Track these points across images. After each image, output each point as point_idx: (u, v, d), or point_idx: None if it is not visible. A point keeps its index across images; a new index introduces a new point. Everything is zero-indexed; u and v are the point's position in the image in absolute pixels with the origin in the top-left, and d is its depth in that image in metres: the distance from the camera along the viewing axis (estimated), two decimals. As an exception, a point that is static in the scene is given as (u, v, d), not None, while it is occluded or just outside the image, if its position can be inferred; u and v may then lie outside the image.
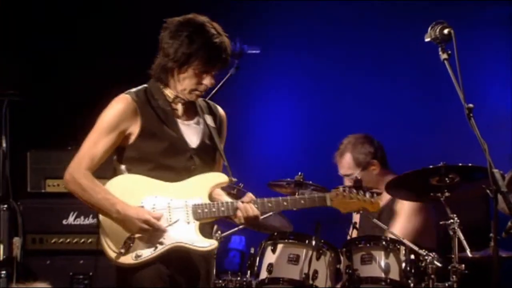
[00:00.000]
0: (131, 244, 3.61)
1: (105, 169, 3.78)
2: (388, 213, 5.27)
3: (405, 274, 4.61)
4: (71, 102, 5.63)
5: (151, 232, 3.61)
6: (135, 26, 5.29)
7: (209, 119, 3.81)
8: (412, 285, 4.61)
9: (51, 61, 6.12)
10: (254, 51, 5.43)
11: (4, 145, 5.89)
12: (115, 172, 3.74)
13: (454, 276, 4.51)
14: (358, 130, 5.80)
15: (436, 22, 3.73)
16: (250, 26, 6.33)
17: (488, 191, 3.40)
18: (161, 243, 3.63)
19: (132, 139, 3.68)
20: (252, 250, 5.02)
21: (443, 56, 3.68)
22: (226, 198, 3.81)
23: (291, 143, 6.51)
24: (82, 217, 5.51)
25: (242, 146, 6.55)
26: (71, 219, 5.50)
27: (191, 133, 3.76)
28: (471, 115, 3.51)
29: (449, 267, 4.53)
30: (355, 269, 4.67)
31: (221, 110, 3.94)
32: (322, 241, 4.80)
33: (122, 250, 3.59)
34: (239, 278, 5.10)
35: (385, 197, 5.16)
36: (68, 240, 5.50)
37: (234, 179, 3.77)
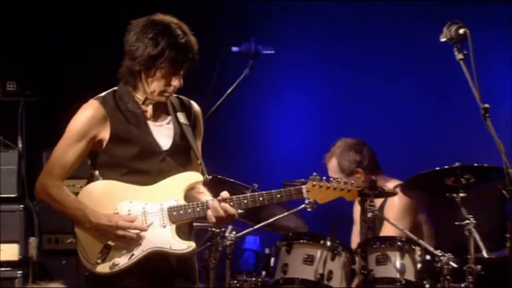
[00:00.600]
0: (108, 253, 3.58)
1: (80, 170, 3.74)
2: (379, 218, 5.22)
3: (421, 274, 4.59)
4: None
5: (128, 237, 3.58)
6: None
7: (182, 117, 3.75)
8: (427, 285, 4.58)
9: (66, 61, 6.15)
10: (268, 52, 5.44)
11: (20, 145, 5.94)
12: (91, 177, 3.70)
13: (470, 277, 4.49)
14: (372, 129, 5.82)
15: (452, 22, 3.71)
16: (264, 27, 6.37)
17: (504, 191, 3.41)
18: (137, 250, 3.59)
19: (104, 144, 3.64)
20: (267, 251, 5.00)
21: (459, 56, 3.67)
22: (206, 197, 3.73)
23: (305, 143, 6.50)
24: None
25: (257, 146, 6.57)
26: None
27: (163, 135, 3.71)
28: (487, 115, 3.52)
29: (465, 268, 4.52)
30: (370, 270, 4.65)
31: (195, 105, 3.87)
32: (337, 241, 4.78)
33: (99, 261, 3.56)
34: (254, 279, 5.09)
35: (377, 204, 5.14)
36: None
37: (209, 177, 3.71)
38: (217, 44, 5.67)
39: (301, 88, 6.61)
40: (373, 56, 6.38)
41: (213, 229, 4.85)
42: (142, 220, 3.62)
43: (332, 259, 4.74)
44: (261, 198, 3.68)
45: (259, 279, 5.04)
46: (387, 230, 5.17)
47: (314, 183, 3.70)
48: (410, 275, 4.62)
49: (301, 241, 4.85)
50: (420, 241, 4.71)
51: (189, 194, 3.75)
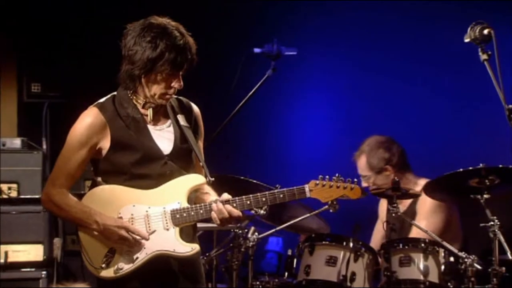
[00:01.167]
0: (112, 257, 3.56)
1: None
2: (410, 215, 5.21)
3: (444, 276, 4.59)
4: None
5: (131, 240, 3.56)
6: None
7: (182, 119, 3.73)
8: (451, 287, 4.58)
9: (91, 62, 6.19)
10: (291, 53, 5.40)
11: (44, 146, 5.97)
12: (94, 184, 3.69)
13: (494, 279, 4.45)
14: (396, 130, 5.74)
15: (476, 22, 3.69)
16: (287, 28, 6.31)
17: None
18: (141, 254, 3.58)
19: (104, 152, 3.61)
20: (290, 252, 5.04)
21: (483, 57, 3.64)
22: (211, 198, 3.70)
23: (328, 143, 6.48)
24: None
25: (281, 148, 6.56)
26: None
27: (164, 138, 3.68)
28: (512, 116, 3.46)
29: (490, 270, 4.48)
30: (394, 271, 4.65)
31: (194, 106, 3.83)
32: (360, 242, 4.78)
33: (103, 265, 3.55)
34: (276, 280, 5.10)
35: (407, 200, 5.13)
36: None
37: (212, 179, 3.68)
38: (239, 46, 5.68)
39: (324, 89, 6.60)
40: (396, 57, 6.36)
41: (236, 231, 4.85)
42: (146, 225, 3.60)
43: (355, 260, 4.74)
44: (264, 199, 3.65)
45: (282, 281, 5.06)
46: (417, 231, 5.10)
47: (317, 182, 3.68)
48: (433, 277, 4.61)
49: (323, 242, 4.86)
50: (444, 243, 4.68)
51: (194, 195, 3.74)
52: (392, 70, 6.36)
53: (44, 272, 5.33)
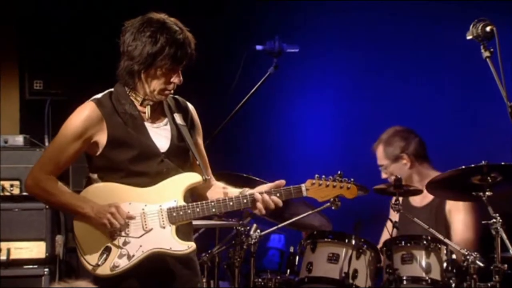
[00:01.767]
0: (108, 255, 3.54)
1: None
2: (433, 212, 5.21)
3: (447, 273, 4.56)
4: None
5: (117, 216, 3.51)
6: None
7: (178, 118, 3.72)
8: (453, 285, 4.54)
9: (93, 60, 6.19)
10: (293, 50, 5.38)
11: (46, 144, 5.96)
12: (89, 181, 3.67)
13: (496, 276, 4.42)
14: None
15: (478, 19, 3.67)
16: (289, 25, 6.34)
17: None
18: (137, 252, 3.56)
19: (100, 148, 3.60)
20: (292, 249, 5.02)
21: (485, 54, 3.61)
22: (231, 190, 3.73)
23: (330, 141, 6.48)
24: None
25: (282, 145, 6.54)
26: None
27: (161, 136, 3.67)
28: (515, 113, 3.44)
29: (492, 267, 4.45)
30: (396, 269, 4.62)
31: (190, 106, 3.82)
32: (362, 240, 4.76)
33: (99, 263, 3.53)
34: (278, 277, 5.09)
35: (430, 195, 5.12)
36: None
37: (208, 177, 3.70)
38: (241, 43, 5.68)
39: (325, 87, 6.57)
40: (397, 57, 6.34)
41: (238, 228, 4.85)
42: (142, 223, 3.59)
43: (357, 257, 4.73)
44: (231, 203, 3.66)
45: (284, 278, 5.05)
46: (456, 228, 5.09)
47: (313, 181, 3.69)
48: (435, 274, 4.59)
49: (325, 239, 4.84)
50: (446, 240, 4.67)
51: (216, 190, 3.76)
52: (394, 69, 6.34)
53: (46, 270, 5.34)
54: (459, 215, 5.14)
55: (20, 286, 5.26)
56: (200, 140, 3.85)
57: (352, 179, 3.74)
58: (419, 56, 6.27)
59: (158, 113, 3.71)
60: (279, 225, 4.94)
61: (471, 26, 3.66)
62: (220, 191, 3.78)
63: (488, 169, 4.53)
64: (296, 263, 4.92)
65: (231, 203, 3.66)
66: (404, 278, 4.62)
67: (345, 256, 4.72)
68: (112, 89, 3.69)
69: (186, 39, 3.59)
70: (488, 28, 3.62)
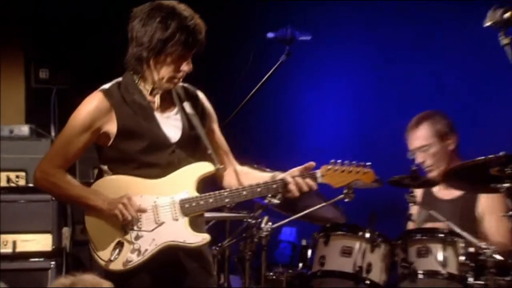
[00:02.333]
0: (121, 250, 3.56)
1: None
2: (459, 207, 5.12)
3: (463, 267, 4.50)
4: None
5: (129, 208, 3.51)
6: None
7: (188, 106, 3.72)
8: (470, 279, 4.48)
9: (98, 49, 6.21)
10: (305, 38, 5.34)
11: (53, 134, 5.97)
12: (100, 173, 3.68)
13: (516, 270, 4.38)
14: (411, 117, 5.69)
15: (496, 6, 3.62)
16: (301, 13, 6.30)
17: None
18: (150, 245, 3.57)
19: (110, 140, 3.60)
20: (304, 242, 5.06)
21: (504, 41, 3.58)
22: (258, 175, 3.74)
23: (344, 131, 6.47)
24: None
25: (293, 135, 6.58)
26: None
27: (171, 126, 3.67)
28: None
29: (510, 261, 4.42)
30: (411, 262, 4.59)
31: (200, 93, 3.82)
32: (377, 233, 4.72)
33: (112, 258, 3.54)
34: (290, 271, 5.09)
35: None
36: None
37: (221, 167, 3.70)
38: (252, 30, 5.68)
39: (338, 76, 6.55)
40: (414, 45, 6.29)
41: (249, 220, 4.84)
42: (155, 216, 3.59)
43: (371, 251, 4.70)
44: (274, 186, 3.66)
45: (296, 271, 5.04)
46: (489, 231, 5.01)
47: (329, 167, 3.68)
48: (452, 268, 4.52)
49: (339, 232, 4.82)
50: (463, 233, 4.62)
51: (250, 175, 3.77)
52: (412, 57, 6.29)
53: (53, 263, 5.34)
54: (492, 218, 5.01)
55: (26, 279, 5.26)
56: (215, 126, 3.85)
57: (369, 163, 3.70)
58: (437, 44, 6.23)
59: (167, 102, 3.71)
60: (291, 218, 4.94)
61: (490, 12, 3.62)
62: (247, 176, 3.79)
63: (507, 160, 4.44)
64: (309, 256, 4.90)
65: (258, 189, 3.66)
66: (420, 272, 4.58)
67: (359, 250, 4.70)
68: (120, 79, 3.68)
69: (197, 25, 3.57)
70: (507, 15, 3.56)
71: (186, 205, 3.60)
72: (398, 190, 4.96)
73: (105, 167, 3.66)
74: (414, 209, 5.08)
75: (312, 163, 3.68)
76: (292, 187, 3.62)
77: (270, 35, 5.30)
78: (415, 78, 6.27)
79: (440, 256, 4.57)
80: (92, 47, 6.30)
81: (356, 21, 6.42)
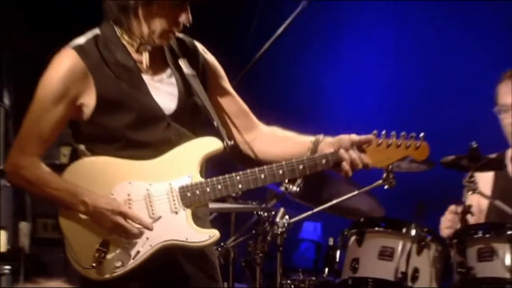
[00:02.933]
0: (105, 253, 3.51)
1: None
2: None
3: (538, 274, 4.48)
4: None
5: (129, 231, 3.50)
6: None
7: (185, 65, 3.69)
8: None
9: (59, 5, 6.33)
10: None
11: (7, 102, 5.90)
12: (75, 154, 3.64)
13: None
14: (454, 91, 6.09)
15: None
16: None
17: None
18: (144, 246, 3.53)
19: (87, 112, 3.56)
20: (331, 241, 4.96)
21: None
22: (302, 140, 3.71)
23: (377, 98, 6.63)
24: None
25: (312, 104, 6.72)
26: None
27: (165, 93, 3.65)
28: None
29: None
30: (470, 267, 4.52)
31: (198, 45, 3.79)
32: (425, 229, 4.71)
33: (95, 263, 3.50)
34: (313, 278, 5.11)
35: None
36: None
37: (230, 142, 3.66)
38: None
39: (366, 38, 6.77)
40: (448, 13, 6.53)
41: (260, 213, 4.85)
42: (148, 208, 3.55)
43: (419, 252, 4.69)
44: (301, 167, 3.58)
45: (321, 279, 5.05)
46: None
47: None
48: (525, 275, 4.52)
49: (376, 229, 4.82)
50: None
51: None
52: (452, 23, 6.54)
53: (7, 267, 5.30)
54: None
55: (-28, 288, 5.33)
56: (224, 83, 3.81)
57: (422, 134, 3.60)
58: (472, 15, 6.49)
59: (158, 61, 3.66)
60: (315, 210, 4.95)
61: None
62: (283, 142, 3.76)
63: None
64: (337, 259, 4.89)
65: (300, 167, 3.58)
66: (482, 279, 4.52)
67: (403, 251, 4.68)
68: (97, 31, 3.62)
69: None
70: None
71: (188, 194, 3.55)
72: (453, 174, 4.90)
73: (81, 147, 3.61)
74: (473, 199, 4.95)
75: (371, 137, 3.61)
76: (346, 165, 3.56)
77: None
78: (461, 43, 6.53)
79: (508, 259, 4.51)
80: (52, 4, 6.48)
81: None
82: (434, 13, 6.55)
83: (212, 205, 4.74)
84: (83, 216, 3.52)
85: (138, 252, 3.52)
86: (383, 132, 3.61)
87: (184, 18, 3.55)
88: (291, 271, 5.26)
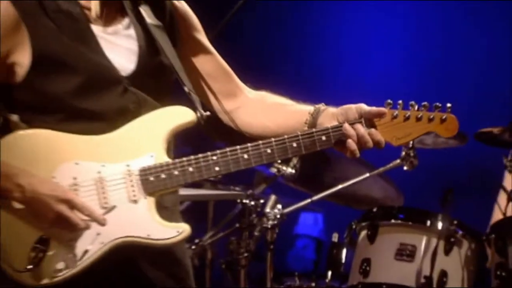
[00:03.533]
0: (44, 252, 3.43)
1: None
2: None
3: None
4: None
5: (75, 224, 3.41)
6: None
7: (148, 13, 3.64)
8: None
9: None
10: None
11: None
12: (6, 126, 3.56)
13: None
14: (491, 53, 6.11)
15: None
16: None
17: None
18: (93, 244, 3.46)
19: (21, 73, 3.48)
20: (336, 238, 5.01)
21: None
22: (297, 109, 3.63)
23: (396, 60, 6.79)
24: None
25: (321, 65, 6.84)
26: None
27: (121, 49, 3.58)
28: None
29: None
30: (512, 270, 4.49)
31: None
32: (455, 222, 4.75)
33: (30, 266, 3.40)
34: (313, 284, 5.17)
35: None
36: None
37: (205, 113, 3.56)
38: None
39: None
40: None
41: (245, 201, 4.88)
42: (100, 196, 3.47)
43: (447, 251, 4.74)
44: (294, 144, 3.47)
45: (322, 285, 5.08)
46: None
47: (384, 111, 3.52)
48: None
49: (392, 221, 4.88)
50: None
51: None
52: None
53: None
54: None
55: None
56: (200, 37, 3.73)
57: (449, 104, 3.46)
58: None
59: (112, 8, 3.59)
60: (315, 197, 4.95)
61: None
62: (274, 111, 3.68)
63: None
64: (343, 260, 4.94)
65: (268, 151, 3.48)
66: None
67: (426, 250, 4.74)
68: None
69: None
70: None
71: (151, 178, 3.46)
72: (490, 151, 4.89)
73: (14, 117, 3.51)
74: (512, 182, 5.05)
75: (384, 110, 3.49)
76: (352, 144, 3.44)
77: None
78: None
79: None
80: None
81: None
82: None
83: (183, 192, 4.62)
84: (16, 205, 3.42)
85: (86, 251, 3.44)
86: (399, 101, 3.48)
87: None
88: (284, 275, 5.28)
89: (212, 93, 3.74)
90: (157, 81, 3.63)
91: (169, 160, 3.49)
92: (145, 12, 3.62)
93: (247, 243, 4.80)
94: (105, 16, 3.56)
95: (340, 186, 4.92)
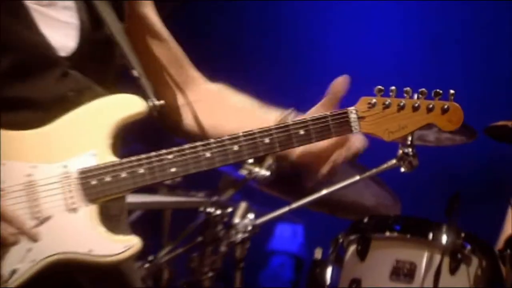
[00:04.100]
0: None
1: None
2: None
3: None
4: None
5: (1, 237, 3.40)
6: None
7: None
8: None
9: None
10: None
11: None
12: None
13: None
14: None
15: None
16: None
17: None
18: (23, 263, 3.42)
19: None
20: (319, 254, 5.08)
21: None
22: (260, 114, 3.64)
23: (391, 54, 6.90)
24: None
25: (307, 56, 7.12)
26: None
27: (59, 24, 3.58)
28: None
29: None
30: (531, 291, 4.54)
31: None
32: (463, 234, 4.83)
33: None
34: None
35: None
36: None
37: (158, 103, 3.57)
38: None
39: None
40: None
41: (209, 210, 4.95)
42: (31, 205, 3.42)
43: (453, 270, 4.84)
44: (267, 140, 3.46)
45: None
46: None
47: (372, 100, 3.45)
48: None
49: (387, 234, 5.00)
50: None
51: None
52: None
53: None
54: None
55: None
56: (151, 15, 3.75)
57: (453, 91, 3.40)
58: None
59: None
60: (294, 205, 5.04)
61: None
62: (232, 113, 3.72)
63: None
64: (328, 281, 5.00)
65: (235, 148, 3.48)
66: None
67: (428, 268, 4.81)
68: None
69: None
70: None
71: (93, 182, 3.44)
72: (503, 149, 4.92)
73: None
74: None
75: (341, 82, 3.46)
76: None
77: None
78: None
79: None
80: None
81: None
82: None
83: (134, 199, 4.71)
84: None
85: (14, 271, 3.40)
86: (392, 87, 3.45)
87: None
88: (259, 300, 5.35)
89: (161, 83, 3.77)
90: (102, 63, 3.65)
91: (115, 160, 3.47)
92: None
93: (211, 261, 4.88)
94: None
95: (324, 192, 5.00)
